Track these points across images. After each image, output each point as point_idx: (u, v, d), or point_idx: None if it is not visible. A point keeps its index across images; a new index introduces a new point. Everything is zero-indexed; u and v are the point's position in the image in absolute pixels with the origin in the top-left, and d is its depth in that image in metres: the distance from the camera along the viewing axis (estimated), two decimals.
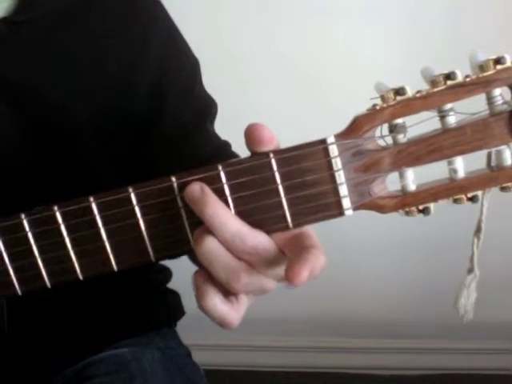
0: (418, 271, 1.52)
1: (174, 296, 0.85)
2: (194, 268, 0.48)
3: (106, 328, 0.75)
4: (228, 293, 0.46)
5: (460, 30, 1.28)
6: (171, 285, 0.86)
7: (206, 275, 0.45)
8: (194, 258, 0.48)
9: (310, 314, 1.57)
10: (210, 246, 0.43)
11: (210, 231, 0.43)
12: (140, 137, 0.71)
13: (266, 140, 0.43)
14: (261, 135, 0.43)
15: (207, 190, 0.43)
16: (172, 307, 0.84)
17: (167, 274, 0.85)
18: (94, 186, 0.50)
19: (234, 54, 1.36)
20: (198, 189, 0.43)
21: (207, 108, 0.76)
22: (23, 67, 0.65)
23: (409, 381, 1.56)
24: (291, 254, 0.44)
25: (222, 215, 0.43)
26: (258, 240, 0.44)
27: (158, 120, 0.71)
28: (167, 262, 0.81)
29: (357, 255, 1.53)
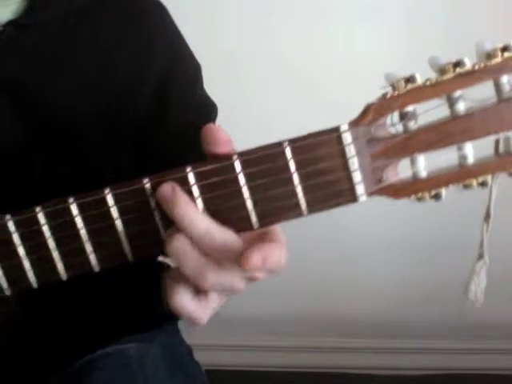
0: (417, 271, 1.52)
1: None
2: None
3: (110, 324, 0.76)
4: (198, 291, 0.46)
5: (460, 33, 1.29)
6: None
7: (176, 274, 0.46)
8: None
9: (310, 314, 1.57)
10: (179, 244, 0.44)
11: (179, 230, 0.44)
12: (142, 139, 0.72)
13: (223, 141, 0.45)
14: (217, 136, 0.45)
15: (178, 189, 0.44)
16: None
17: None
18: (97, 184, 0.51)
19: (233, 55, 1.36)
20: (169, 189, 0.44)
21: (208, 112, 0.77)
22: (29, 70, 0.66)
23: (408, 381, 1.57)
24: None
25: (192, 214, 0.44)
26: (226, 238, 0.44)
27: (160, 123, 0.72)
28: None
29: (357, 255, 1.53)
